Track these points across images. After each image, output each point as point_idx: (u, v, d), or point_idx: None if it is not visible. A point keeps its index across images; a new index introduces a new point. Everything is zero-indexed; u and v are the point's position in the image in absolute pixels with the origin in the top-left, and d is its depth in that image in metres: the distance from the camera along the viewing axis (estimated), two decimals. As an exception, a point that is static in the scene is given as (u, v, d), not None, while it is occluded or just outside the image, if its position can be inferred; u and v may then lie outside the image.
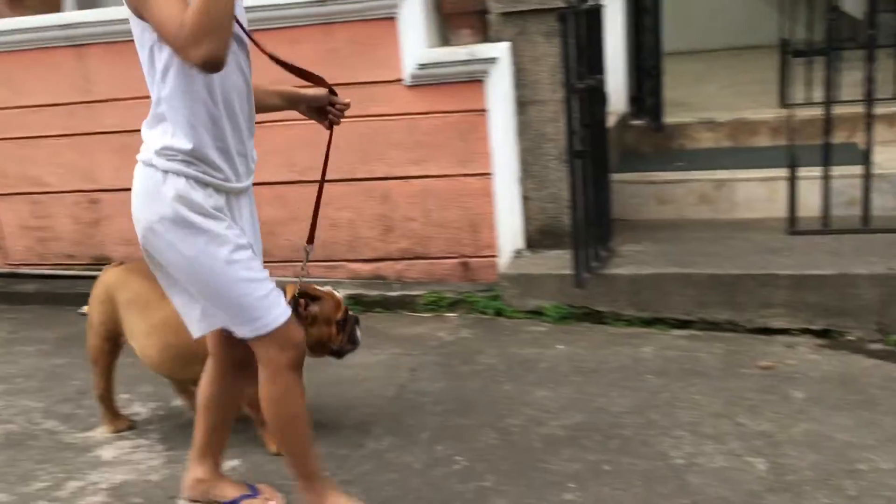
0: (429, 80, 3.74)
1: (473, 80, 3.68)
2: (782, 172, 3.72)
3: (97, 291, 2.76)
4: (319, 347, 2.49)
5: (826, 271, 3.30)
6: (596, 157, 3.47)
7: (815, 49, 4.09)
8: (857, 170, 3.68)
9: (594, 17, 3.42)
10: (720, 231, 3.89)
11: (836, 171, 3.73)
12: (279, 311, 2.04)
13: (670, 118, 4.70)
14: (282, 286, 2.73)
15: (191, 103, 1.89)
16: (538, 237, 3.85)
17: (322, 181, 2.29)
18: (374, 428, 2.84)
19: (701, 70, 6.48)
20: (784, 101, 4.54)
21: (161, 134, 1.92)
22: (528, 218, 3.84)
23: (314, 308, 2.43)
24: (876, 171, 3.74)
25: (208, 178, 1.95)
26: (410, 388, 3.14)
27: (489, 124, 3.71)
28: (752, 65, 6.04)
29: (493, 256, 3.85)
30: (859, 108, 3.73)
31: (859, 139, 4.07)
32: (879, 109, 3.84)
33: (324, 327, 2.47)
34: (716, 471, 2.50)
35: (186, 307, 2.12)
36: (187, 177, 1.93)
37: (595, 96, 3.40)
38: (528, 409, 2.90)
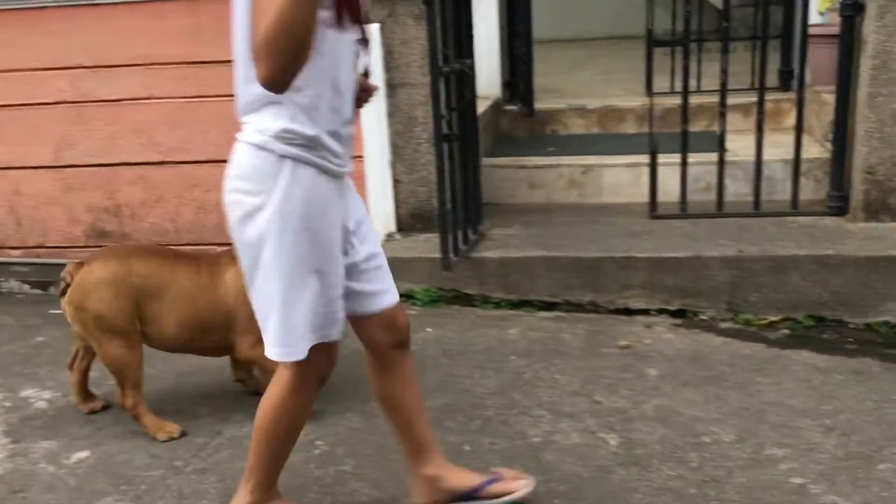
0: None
1: (344, 61, 3.64)
2: (645, 159, 3.85)
3: (104, 293, 2.54)
4: None
5: (681, 254, 3.45)
6: (465, 141, 3.50)
7: (674, 40, 4.24)
8: (714, 157, 3.85)
9: (464, 2, 3.44)
10: (587, 215, 4.00)
11: (695, 157, 3.89)
12: (314, 339, 1.92)
13: (544, 104, 4.78)
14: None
15: (315, 85, 1.76)
16: (410, 221, 3.86)
17: None
18: (234, 415, 2.78)
19: (579, 57, 6.64)
20: (650, 90, 4.70)
21: (275, 117, 1.77)
22: (399, 201, 3.84)
23: None
24: (730, 158, 3.92)
25: (327, 165, 1.83)
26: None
27: (360, 107, 3.67)
28: (627, 54, 6.22)
29: (365, 240, 3.83)
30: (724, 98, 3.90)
31: (719, 127, 4.26)
32: (735, 99, 4.02)
33: None
34: (571, 447, 2.58)
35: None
36: (307, 163, 1.80)
37: (464, 80, 3.42)
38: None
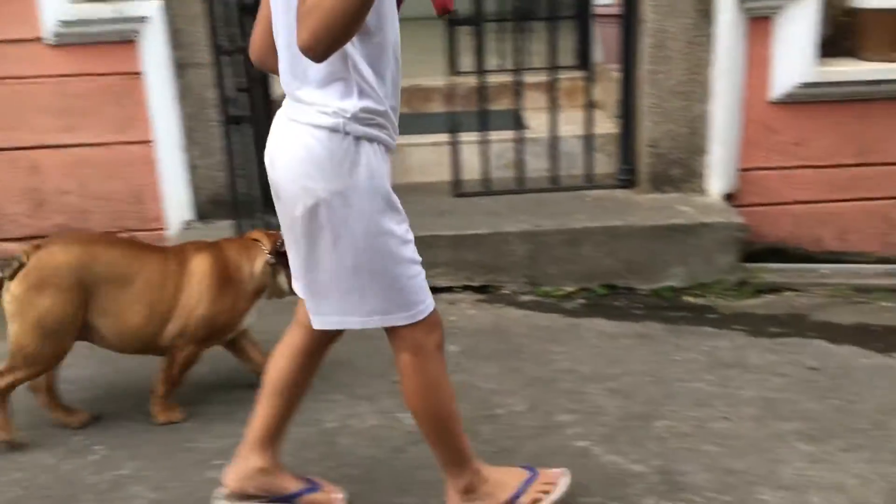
0: (75, 40, 3.43)
1: (125, 40, 3.43)
2: (451, 138, 3.87)
3: (54, 279, 2.29)
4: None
5: (483, 231, 3.50)
6: (260, 124, 3.38)
7: (470, 19, 4.27)
8: (516, 134, 3.93)
9: (252, -23, 3.31)
10: (397, 195, 3.97)
11: (497, 136, 3.96)
12: (429, 295, 1.88)
13: (351, 84, 4.71)
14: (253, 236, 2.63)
15: (384, 58, 1.67)
16: (210, 207, 3.70)
17: None
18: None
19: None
20: (454, 69, 4.73)
21: (343, 95, 1.66)
22: (196, 187, 3.67)
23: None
24: (530, 135, 4.02)
25: (390, 141, 1.77)
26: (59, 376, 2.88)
27: (146, 88, 3.48)
28: (439, 33, 6.24)
29: (161, 229, 3.65)
30: (523, 77, 3.99)
31: (523, 105, 4.35)
32: (536, 78, 4.13)
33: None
34: (366, 430, 2.56)
35: (321, 294, 1.85)
36: (378, 141, 1.73)
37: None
38: (181, 388, 2.77)
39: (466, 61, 4.84)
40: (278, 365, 2.05)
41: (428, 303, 1.88)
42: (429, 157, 4.15)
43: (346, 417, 2.62)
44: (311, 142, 1.69)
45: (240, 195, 3.41)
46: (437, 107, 4.65)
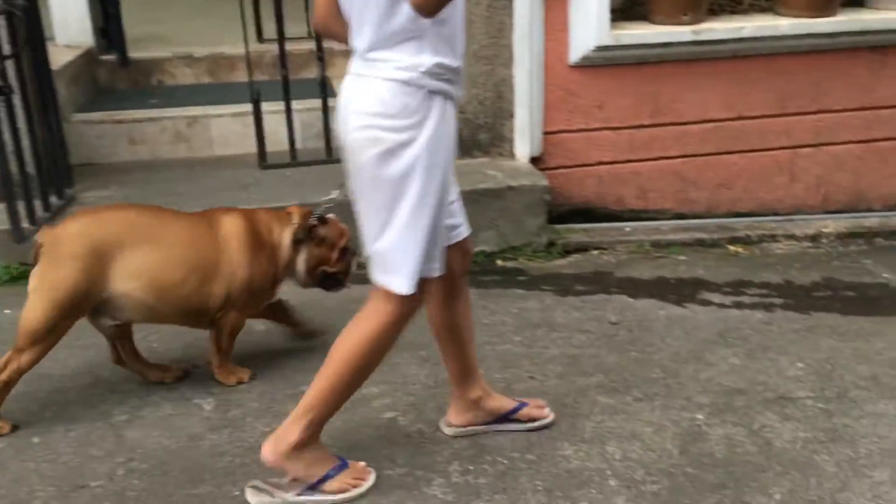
0: None
1: None
2: (255, 108, 3.68)
3: (66, 249, 2.20)
4: (314, 272, 2.53)
5: (288, 203, 3.35)
6: (41, 95, 3.07)
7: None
8: (323, 103, 3.80)
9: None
10: (196, 170, 3.76)
11: (306, 104, 3.82)
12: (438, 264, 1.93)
13: (147, 53, 4.42)
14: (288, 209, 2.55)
15: (455, 16, 1.76)
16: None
17: None
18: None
19: (199, 4, 6.26)
20: (260, 37, 4.53)
21: (417, 51, 1.74)
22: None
23: (322, 229, 2.50)
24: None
25: (458, 96, 1.84)
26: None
27: None
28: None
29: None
30: (331, 44, 3.84)
31: (331, 73, 4.22)
32: (342, 45, 3.99)
33: (325, 250, 2.51)
34: (160, 420, 2.39)
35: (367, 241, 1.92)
36: (447, 96, 1.80)
37: (19, 23, 2.98)
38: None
39: (272, 28, 4.65)
40: (434, 317, 2.18)
41: (434, 273, 1.93)
42: (231, 128, 3.95)
43: (139, 408, 2.43)
44: (385, 94, 1.77)
45: (13, 175, 3.09)
46: (242, 76, 4.43)
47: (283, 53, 3.61)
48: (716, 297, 3.13)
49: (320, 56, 3.66)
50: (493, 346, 2.78)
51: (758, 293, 3.17)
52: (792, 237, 3.66)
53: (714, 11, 3.73)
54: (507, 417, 2.30)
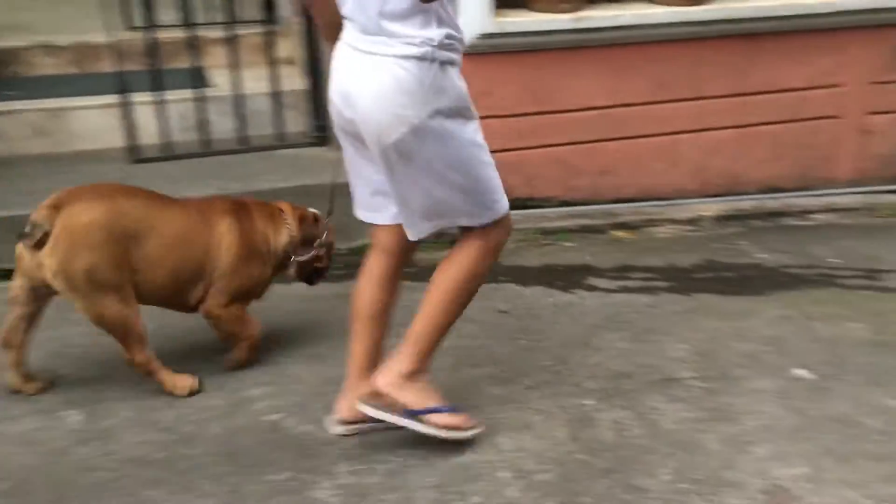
0: None
1: None
2: (123, 99, 3.48)
3: (97, 238, 2.14)
4: (305, 270, 2.54)
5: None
6: None
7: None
8: (199, 93, 3.63)
9: None
10: (58, 165, 3.52)
11: (181, 95, 3.64)
12: (504, 195, 2.02)
13: (3, 42, 4.11)
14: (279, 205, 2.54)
15: None
16: None
17: None
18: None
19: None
20: (128, 24, 4.28)
21: (424, 25, 1.77)
22: None
23: (316, 230, 2.52)
24: (217, 93, 3.74)
25: (460, 62, 1.87)
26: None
27: None
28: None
29: None
30: (207, 32, 3.68)
31: (207, 63, 4.04)
32: (218, 33, 3.83)
33: (317, 249, 2.53)
34: (21, 434, 2.21)
35: (414, 208, 1.94)
36: (455, 64, 1.85)
37: None
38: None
39: (141, 15, 4.42)
40: (367, 295, 2.13)
41: (504, 202, 2.01)
42: (97, 121, 3.72)
43: (-5, 423, 2.25)
44: (400, 72, 1.78)
45: None
46: (109, 66, 4.18)
47: (154, 43, 3.42)
48: (602, 283, 3.16)
49: (195, 45, 3.49)
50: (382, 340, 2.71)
51: (642, 277, 3.21)
52: (673, 221, 3.73)
53: (595, 0, 3.77)
54: (413, 414, 2.08)
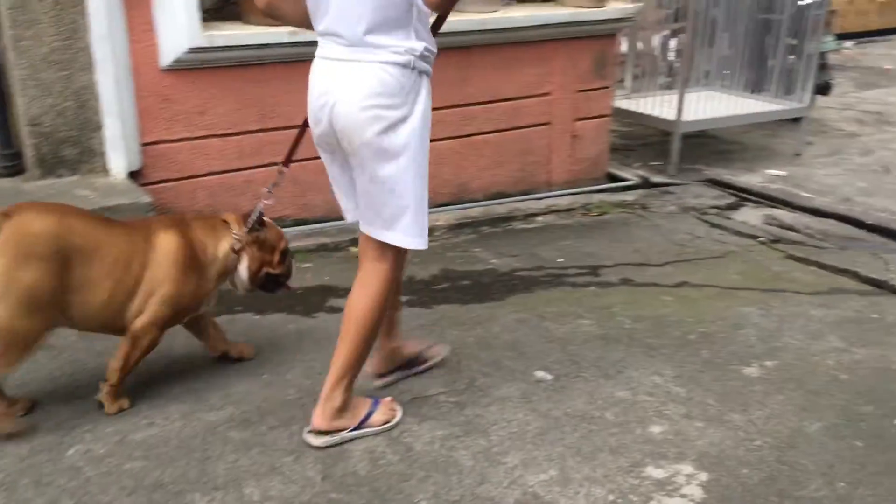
0: None
1: None
2: None
3: (37, 249, 2.08)
4: (257, 276, 2.49)
5: None
6: None
7: None
8: None
9: None
10: None
11: None
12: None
13: None
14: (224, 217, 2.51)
15: (426, 8, 1.97)
16: None
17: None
18: None
19: None
20: None
21: (406, 37, 1.98)
22: None
23: (262, 233, 2.48)
24: None
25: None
26: None
27: None
28: None
29: None
30: None
31: None
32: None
33: (267, 254, 2.50)
34: None
35: (375, 208, 2.10)
36: (429, 75, 2.05)
37: None
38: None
39: None
40: (359, 304, 2.20)
41: (426, 238, 2.14)
42: None
43: None
44: (385, 76, 1.97)
45: None
46: None
47: None
48: (342, 303, 3.03)
49: None
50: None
51: (383, 293, 3.17)
52: (408, 233, 3.74)
53: (310, 12, 3.66)
54: (355, 429, 2.26)
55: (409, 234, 2.10)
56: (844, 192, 4.55)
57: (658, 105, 4.94)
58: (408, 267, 2.46)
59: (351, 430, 2.23)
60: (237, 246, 2.42)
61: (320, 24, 2.03)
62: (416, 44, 1.99)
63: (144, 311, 2.27)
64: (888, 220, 4.15)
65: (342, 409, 2.22)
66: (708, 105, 5.05)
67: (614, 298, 3.21)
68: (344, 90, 2.00)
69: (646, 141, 5.50)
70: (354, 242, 3.59)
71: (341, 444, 2.22)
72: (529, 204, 4.19)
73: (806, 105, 5.27)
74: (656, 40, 5.57)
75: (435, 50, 2.06)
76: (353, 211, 2.24)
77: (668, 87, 5.31)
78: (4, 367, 2.14)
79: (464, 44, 3.89)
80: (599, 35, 4.30)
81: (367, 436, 2.25)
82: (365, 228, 2.15)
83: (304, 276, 3.29)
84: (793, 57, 5.21)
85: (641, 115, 5.01)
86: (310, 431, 2.22)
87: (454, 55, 3.87)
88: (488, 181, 4.23)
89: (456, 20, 3.82)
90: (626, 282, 3.38)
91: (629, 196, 4.44)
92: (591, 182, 4.55)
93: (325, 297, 3.11)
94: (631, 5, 4.34)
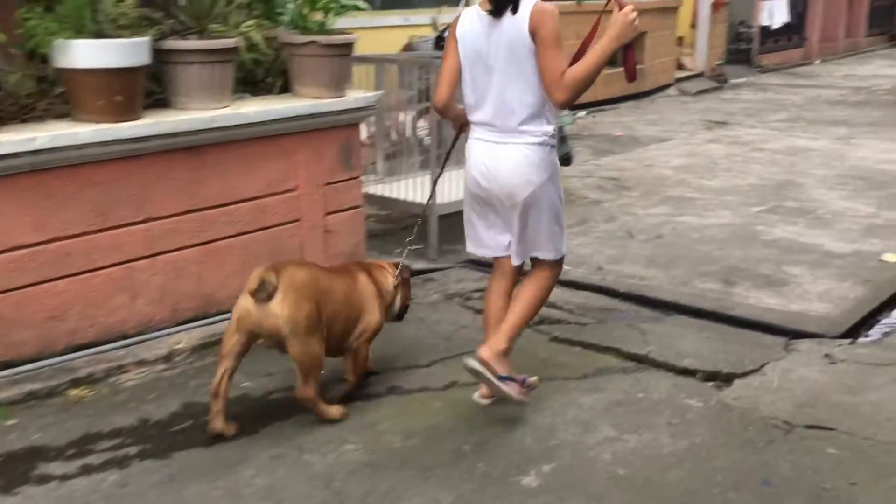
0: None
1: None
2: None
3: (306, 291, 2.79)
4: (402, 308, 3.29)
5: None
6: None
7: None
8: None
9: None
10: None
11: None
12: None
13: None
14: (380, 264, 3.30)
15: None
16: None
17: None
18: None
19: None
20: None
21: (541, 124, 2.81)
22: None
23: (406, 273, 3.28)
24: None
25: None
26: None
27: None
28: None
29: None
30: None
31: None
32: None
33: (407, 290, 3.30)
34: None
35: (532, 245, 2.96)
36: (555, 147, 2.88)
37: None
38: None
39: None
40: (496, 304, 3.06)
41: (565, 248, 3.07)
42: None
43: None
44: (530, 154, 2.82)
45: None
46: None
47: None
48: (57, 468, 2.53)
49: None
50: None
51: (109, 447, 2.66)
52: (143, 363, 3.25)
53: (1, 119, 3.14)
54: (500, 378, 2.84)
55: (560, 250, 3.00)
56: (596, 261, 4.62)
57: (412, 188, 4.82)
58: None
59: (497, 379, 2.81)
60: (396, 283, 3.17)
61: (477, 116, 2.87)
62: (547, 128, 2.83)
63: (361, 335, 3.02)
64: (638, 286, 4.24)
65: (504, 355, 2.86)
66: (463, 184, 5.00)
67: (382, 413, 2.93)
68: (504, 164, 2.83)
69: (405, 224, 5.35)
70: (75, 384, 3.06)
71: (486, 380, 2.81)
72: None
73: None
74: (405, 121, 5.50)
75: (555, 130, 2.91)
76: (506, 246, 2.96)
77: (423, 166, 5.21)
78: (308, 388, 2.77)
79: (193, 143, 3.52)
80: (343, 125, 4.10)
81: (502, 392, 2.81)
82: (532, 254, 2.97)
83: (5, 438, 2.70)
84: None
85: (395, 200, 4.87)
86: (473, 358, 2.84)
87: (181, 157, 3.50)
88: (237, 288, 3.83)
89: (179, 119, 3.47)
90: (393, 390, 3.12)
91: (391, 288, 4.22)
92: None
93: (34, 463, 2.56)
94: (371, 94, 4.20)
